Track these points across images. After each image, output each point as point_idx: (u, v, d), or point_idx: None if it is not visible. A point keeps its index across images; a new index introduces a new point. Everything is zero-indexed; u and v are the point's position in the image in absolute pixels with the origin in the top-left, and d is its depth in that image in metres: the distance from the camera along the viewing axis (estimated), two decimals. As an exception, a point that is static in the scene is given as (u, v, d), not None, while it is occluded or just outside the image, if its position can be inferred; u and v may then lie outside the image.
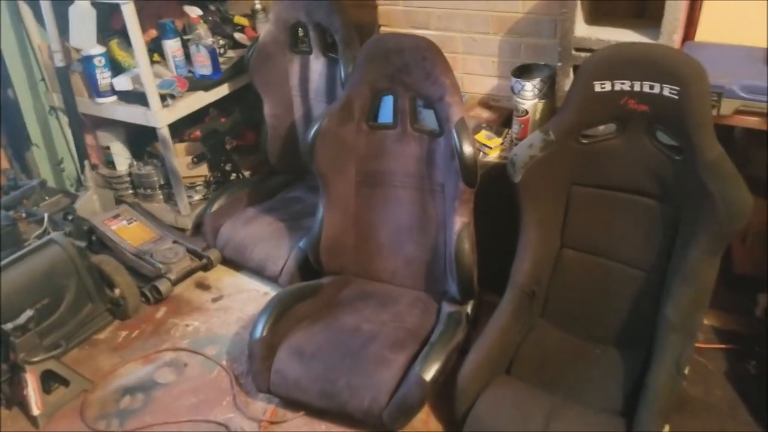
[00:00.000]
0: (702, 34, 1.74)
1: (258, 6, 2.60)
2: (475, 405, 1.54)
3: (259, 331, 1.72)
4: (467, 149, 1.72)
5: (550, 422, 1.46)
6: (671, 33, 1.63)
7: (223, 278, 2.31)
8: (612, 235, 1.70)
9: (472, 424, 1.53)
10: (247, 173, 2.70)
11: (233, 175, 2.65)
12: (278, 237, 2.24)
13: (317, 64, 2.36)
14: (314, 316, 1.85)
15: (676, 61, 1.48)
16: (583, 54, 1.72)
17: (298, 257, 2.12)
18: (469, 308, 1.86)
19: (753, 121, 1.54)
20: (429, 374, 1.58)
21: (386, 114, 1.95)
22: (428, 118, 1.90)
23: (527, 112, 1.89)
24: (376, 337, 1.76)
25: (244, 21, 2.68)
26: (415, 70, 1.82)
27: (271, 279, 2.20)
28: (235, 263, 2.32)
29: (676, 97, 1.46)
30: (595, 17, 1.80)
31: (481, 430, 1.52)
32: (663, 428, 1.42)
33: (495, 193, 1.79)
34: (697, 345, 1.83)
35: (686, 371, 1.51)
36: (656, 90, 1.49)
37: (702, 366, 1.82)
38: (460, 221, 1.79)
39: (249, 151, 2.74)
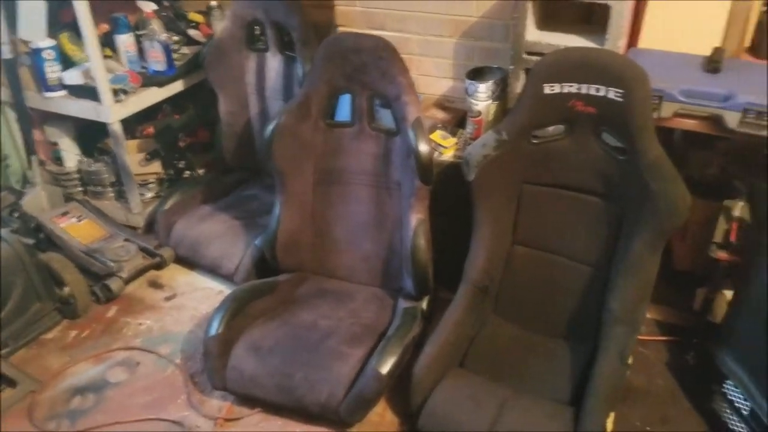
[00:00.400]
0: (645, 42, 1.83)
1: (213, 3, 2.58)
2: (430, 398, 1.57)
3: (215, 328, 1.71)
4: (423, 148, 1.77)
5: (503, 412, 1.51)
6: (616, 39, 1.71)
7: (177, 277, 2.28)
8: (560, 232, 1.77)
9: (427, 416, 1.56)
10: (201, 171, 2.67)
11: (187, 173, 2.62)
12: (233, 235, 2.22)
13: (274, 62, 2.36)
14: (271, 313, 1.85)
15: (620, 65, 1.56)
16: (533, 57, 1.79)
17: (253, 255, 2.11)
18: (424, 304, 1.90)
19: (691, 124, 1.63)
20: (385, 368, 1.60)
21: (343, 112, 1.97)
22: (385, 117, 1.94)
23: (480, 113, 1.94)
24: (333, 332, 1.78)
25: (199, 18, 2.66)
26: (372, 70, 1.85)
27: (227, 277, 2.18)
28: (189, 261, 2.30)
29: (621, 100, 1.54)
30: (545, 22, 1.87)
31: (436, 421, 1.55)
32: (608, 416, 1.49)
33: (450, 192, 1.84)
34: (640, 337, 1.92)
35: (630, 362, 1.59)
36: (602, 93, 1.56)
37: (645, 357, 1.91)
38: (416, 218, 1.83)
39: (203, 149, 2.71)
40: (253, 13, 2.30)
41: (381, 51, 1.82)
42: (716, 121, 1.59)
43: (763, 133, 1.54)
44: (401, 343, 1.69)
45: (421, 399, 1.58)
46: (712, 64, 1.68)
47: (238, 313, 1.77)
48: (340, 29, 2.43)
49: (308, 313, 1.87)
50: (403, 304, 1.89)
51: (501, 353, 1.75)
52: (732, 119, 1.56)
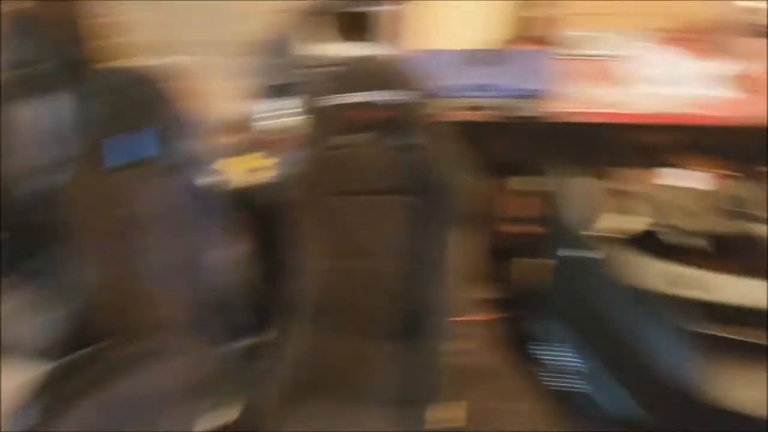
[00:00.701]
0: (419, 43, 1.91)
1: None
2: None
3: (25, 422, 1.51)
4: (224, 176, 1.71)
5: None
6: (388, 44, 1.78)
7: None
8: (371, 237, 1.79)
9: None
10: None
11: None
12: (29, 312, 1.97)
13: (30, 110, 2.12)
14: (88, 391, 1.67)
15: (397, 69, 1.63)
16: (319, 70, 1.80)
17: (53, 330, 1.89)
18: (259, 338, 1.83)
19: (469, 115, 1.74)
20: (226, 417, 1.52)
21: (124, 154, 1.83)
22: (171, 153, 1.83)
23: (280, 131, 1.92)
24: (164, 396, 1.65)
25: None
26: (146, 105, 1.73)
27: (32, 359, 1.93)
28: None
29: (403, 101, 1.60)
30: (321, 35, 1.89)
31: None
32: (456, 405, 1.52)
33: (264, 216, 1.79)
34: (473, 319, 2.02)
35: (459, 346, 1.65)
36: (386, 97, 1.61)
37: (480, 337, 2.00)
38: (233, 251, 1.76)
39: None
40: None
41: (156, 82, 1.72)
42: (487, 109, 1.70)
43: (529, 114, 1.68)
44: (238, 386, 1.61)
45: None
46: (482, 57, 1.80)
47: (52, 399, 1.58)
48: (110, 63, 2.27)
49: (126, 383, 1.71)
50: (237, 343, 1.80)
51: (335, 368, 1.73)
52: (499, 106, 1.68)
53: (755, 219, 1.70)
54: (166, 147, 1.82)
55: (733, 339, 1.49)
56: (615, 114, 1.67)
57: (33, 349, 1.90)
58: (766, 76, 1.74)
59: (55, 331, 1.87)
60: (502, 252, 2.10)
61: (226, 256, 1.75)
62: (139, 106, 1.74)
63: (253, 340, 1.81)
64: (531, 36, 1.98)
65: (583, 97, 1.70)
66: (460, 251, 1.66)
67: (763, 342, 1.47)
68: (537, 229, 1.92)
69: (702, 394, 1.45)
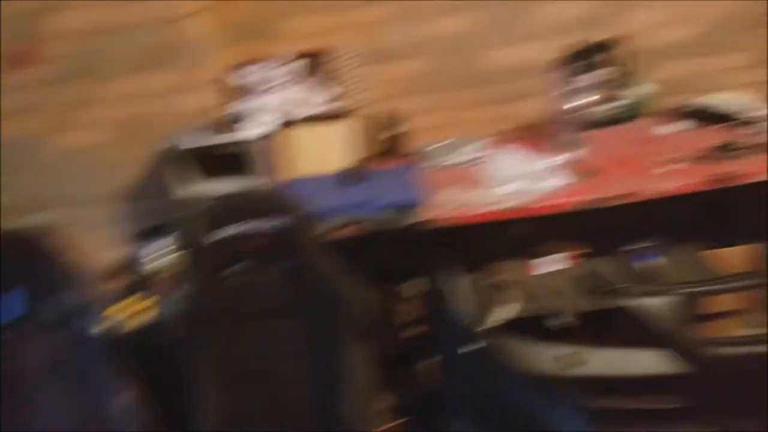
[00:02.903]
0: (294, 170, 2.02)
1: None
2: None
3: None
4: (111, 323, 1.65)
5: None
6: (262, 176, 1.86)
7: None
8: (269, 361, 1.77)
9: None
10: None
11: None
12: None
13: None
14: None
15: (274, 198, 1.71)
16: (195, 208, 1.82)
17: None
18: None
19: (350, 230, 1.83)
20: None
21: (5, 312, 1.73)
22: (55, 307, 1.75)
23: (164, 270, 1.90)
24: None
25: None
26: (24, 262, 1.67)
27: None
28: None
29: (282, 227, 1.65)
30: (195, 174, 1.95)
31: None
32: None
33: (158, 356, 1.73)
34: (379, 430, 2.00)
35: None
36: (265, 225, 1.66)
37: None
38: (125, 398, 1.65)
39: None
40: None
41: (29, 242, 1.67)
42: (366, 223, 1.80)
43: (402, 224, 1.80)
44: None
45: None
46: (353, 176, 1.93)
47: None
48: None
49: None
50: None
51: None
52: (377, 219, 1.79)
53: (617, 293, 1.88)
54: (43, 302, 1.74)
55: (624, 408, 1.58)
56: (480, 214, 1.82)
57: None
58: (597, 162, 1.98)
59: None
60: (399, 357, 2.14)
61: (122, 405, 1.65)
62: (18, 264, 1.67)
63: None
64: (391, 152, 2.16)
65: (450, 202, 1.85)
66: (360, 363, 1.68)
67: (651, 407, 1.58)
68: (428, 330, 1.99)
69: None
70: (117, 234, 2.24)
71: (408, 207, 1.78)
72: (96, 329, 1.63)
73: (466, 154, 2.12)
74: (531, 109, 2.30)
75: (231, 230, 1.66)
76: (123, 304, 1.95)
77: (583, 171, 1.94)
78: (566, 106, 2.09)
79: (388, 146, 2.15)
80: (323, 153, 2.01)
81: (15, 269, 1.68)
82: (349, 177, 1.93)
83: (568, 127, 2.11)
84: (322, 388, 1.73)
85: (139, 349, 1.75)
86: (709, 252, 2.11)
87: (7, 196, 2.16)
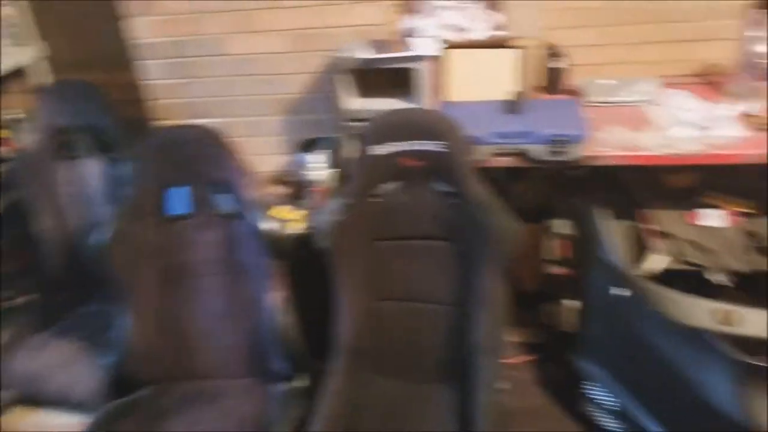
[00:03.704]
0: (454, 95, 2.02)
1: (19, 115, 2.41)
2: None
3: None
4: (267, 225, 1.77)
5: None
6: (426, 97, 1.88)
7: (24, 420, 2.00)
8: (417, 280, 1.84)
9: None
10: (22, 299, 2.40)
11: (6, 303, 2.34)
12: (79, 359, 2.01)
13: (92, 168, 2.23)
14: (140, 433, 1.69)
15: (435, 120, 1.72)
16: (358, 124, 1.89)
17: (105, 375, 1.92)
18: (303, 382, 1.85)
19: (506, 161, 1.81)
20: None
21: (179, 204, 1.91)
22: (225, 202, 1.91)
23: (319, 183, 2.00)
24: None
25: (5, 132, 2.46)
26: (201, 159, 1.83)
27: (79, 407, 1.95)
28: (34, 400, 2.03)
29: (442, 150, 1.68)
30: (361, 90, 2.00)
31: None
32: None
33: (306, 263, 1.85)
34: (507, 361, 2.04)
35: (502, 387, 1.68)
36: (425, 147, 1.69)
37: (515, 379, 2.02)
38: (276, 297, 1.81)
39: (26, 273, 2.44)
40: (60, 119, 2.18)
41: (207, 139, 1.82)
42: (526, 155, 1.78)
43: (565, 159, 1.76)
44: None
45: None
46: (512, 106, 1.89)
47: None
48: (162, 122, 2.39)
49: (180, 424, 1.73)
50: (280, 388, 1.83)
51: (385, 411, 1.75)
52: (537, 151, 1.76)
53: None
54: (220, 198, 1.91)
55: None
56: (645, 157, 1.74)
57: (81, 396, 1.93)
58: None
59: (105, 377, 1.91)
60: (541, 294, 2.15)
61: (274, 301, 1.79)
62: (196, 160, 1.83)
63: (301, 382, 1.84)
64: (554, 85, 2.09)
65: (614, 141, 1.78)
66: (501, 293, 1.70)
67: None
68: (575, 270, 1.96)
69: (748, 424, 1.47)
70: (282, 143, 2.37)
71: (569, 142, 1.73)
72: (261, 227, 1.77)
73: (635, 93, 2.01)
74: (711, 53, 2.12)
75: (390, 148, 1.71)
76: (283, 209, 2.08)
77: (761, 124, 1.79)
78: (754, 53, 1.91)
79: (552, 79, 2.08)
80: (485, 80, 1.98)
81: (203, 163, 1.85)
82: (509, 106, 1.90)
83: (752, 75, 1.94)
84: (463, 311, 1.78)
85: (294, 254, 1.89)
86: None
87: (184, 96, 2.34)
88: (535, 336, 2.18)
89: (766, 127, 1.78)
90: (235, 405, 1.81)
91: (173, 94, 2.35)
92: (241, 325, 1.90)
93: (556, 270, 2.00)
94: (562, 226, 1.96)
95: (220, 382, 1.90)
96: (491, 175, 1.77)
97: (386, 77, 1.97)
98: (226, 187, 1.84)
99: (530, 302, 2.23)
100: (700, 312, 1.58)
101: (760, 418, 1.47)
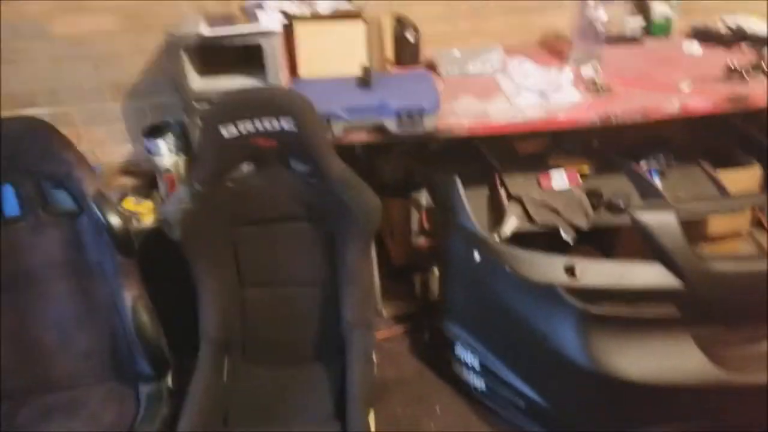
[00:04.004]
0: (304, 71, 1.97)
1: None
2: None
3: None
4: (113, 220, 1.64)
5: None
6: (276, 74, 1.81)
7: None
8: (283, 264, 1.81)
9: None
10: None
11: None
12: None
13: None
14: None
15: (286, 97, 1.66)
16: (204, 105, 1.79)
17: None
18: (169, 380, 1.76)
19: (362, 137, 1.81)
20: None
21: (9, 206, 1.73)
22: (64, 199, 1.75)
23: (169, 170, 1.89)
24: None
25: None
26: (29, 153, 1.65)
27: None
28: None
29: (295, 129, 1.63)
30: (206, 69, 1.90)
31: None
32: (368, 415, 1.57)
33: (162, 256, 1.74)
34: (381, 335, 2.07)
35: (375, 359, 1.70)
36: (277, 126, 1.63)
37: (390, 351, 2.06)
38: (131, 295, 1.70)
39: None
40: None
41: (33, 131, 1.65)
42: (380, 129, 1.78)
43: (419, 131, 1.78)
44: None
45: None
46: (364, 80, 1.88)
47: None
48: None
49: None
50: (144, 388, 1.73)
51: (262, 398, 1.72)
52: (391, 125, 1.76)
53: (622, 209, 1.91)
54: (57, 195, 1.74)
55: (620, 316, 1.64)
56: (494, 126, 1.81)
57: None
58: (613, 78, 1.95)
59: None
60: (406, 266, 2.19)
61: (130, 300, 1.68)
62: (20, 156, 1.65)
63: (167, 381, 1.75)
64: (404, 58, 2.11)
65: (465, 112, 1.83)
66: (369, 269, 1.71)
67: (646, 316, 1.64)
68: (435, 239, 2.01)
69: (596, 369, 1.60)
70: (127, 130, 2.20)
71: (422, 113, 1.75)
72: (108, 223, 1.64)
73: (484, 63, 2.08)
74: (551, 21, 2.23)
75: (240, 129, 1.64)
76: (132, 201, 1.95)
77: (599, 87, 1.91)
78: (590, 19, 2.04)
79: (403, 51, 2.09)
80: (335, 54, 1.95)
81: (8, 161, 1.67)
82: (361, 81, 1.88)
83: (589, 41, 2.06)
84: (329, 291, 1.77)
85: (147, 249, 1.78)
86: (714, 172, 2.13)
87: (8, 86, 2.10)
88: (408, 307, 2.22)
89: (602, 90, 1.90)
90: (99, 412, 1.70)
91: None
92: (96, 328, 1.77)
93: (422, 241, 2.04)
94: (422, 198, 2.00)
95: (81, 389, 1.77)
96: (352, 152, 1.76)
97: (233, 54, 1.89)
98: (62, 182, 1.68)
99: (401, 275, 2.28)
100: (548, 268, 1.68)
101: (602, 362, 1.60)
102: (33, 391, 1.75)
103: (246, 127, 1.64)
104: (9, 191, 1.70)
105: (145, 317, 1.69)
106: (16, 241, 1.72)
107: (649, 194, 1.97)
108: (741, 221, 2.32)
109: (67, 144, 1.68)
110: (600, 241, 2.15)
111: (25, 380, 1.75)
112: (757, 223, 2.41)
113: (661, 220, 1.67)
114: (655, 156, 2.14)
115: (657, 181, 2.08)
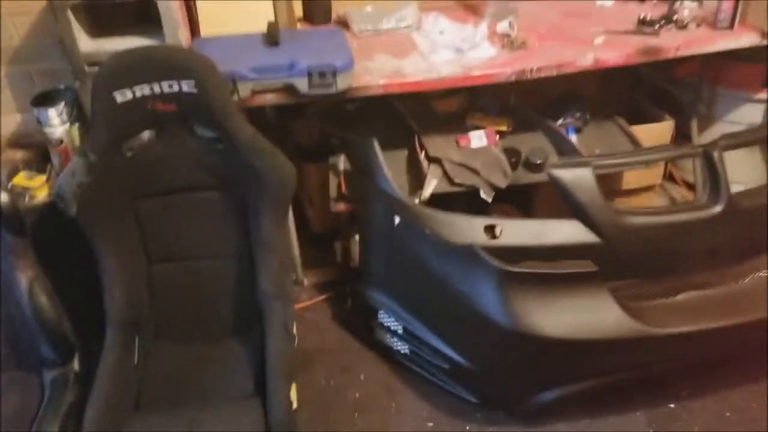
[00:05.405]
0: (206, 30, 1.84)
1: None
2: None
3: None
4: (3, 197, 1.51)
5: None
6: (174, 33, 1.69)
7: None
8: (192, 236, 1.71)
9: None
10: None
11: None
12: None
13: None
14: None
15: (185, 57, 1.55)
16: (97, 68, 1.65)
17: None
18: (75, 364, 1.66)
19: (270, 98, 1.71)
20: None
21: None
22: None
23: (62, 141, 1.74)
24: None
25: None
26: None
27: None
28: None
29: (196, 91, 1.51)
30: (98, 30, 1.74)
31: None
32: (290, 389, 1.52)
33: (61, 233, 1.61)
34: (303, 304, 2.02)
35: (294, 331, 1.65)
36: (176, 88, 1.51)
37: (312, 320, 2.02)
38: (26, 277, 1.57)
39: None
40: None
41: None
42: (290, 90, 1.69)
43: (332, 90, 1.70)
44: (54, 420, 1.46)
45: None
46: (271, 38, 1.78)
47: None
48: None
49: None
50: (48, 375, 1.62)
51: (175, 378, 1.64)
52: (302, 85, 1.68)
53: (539, 166, 1.91)
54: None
55: (535, 273, 1.64)
56: (409, 83, 1.75)
57: None
58: (527, 33, 1.93)
59: None
60: (325, 234, 2.13)
61: (25, 283, 1.56)
62: None
63: (71, 366, 1.64)
64: (319, 15, 2.02)
65: (380, 71, 1.77)
66: (285, 238, 1.64)
67: (564, 271, 1.65)
68: (355, 205, 1.96)
69: (517, 328, 1.61)
70: (13, 99, 2.01)
71: (334, 72, 1.67)
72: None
73: (399, 20, 2.01)
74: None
75: (135, 93, 1.51)
76: (22, 176, 1.79)
77: (515, 42, 1.89)
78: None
79: (313, 8, 2.00)
80: (238, 11, 1.83)
81: None
82: (268, 38, 1.77)
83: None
84: (244, 263, 1.69)
85: (41, 227, 1.64)
86: (628, 127, 2.17)
87: None
88: (330, 275, 2.17)
89: (518, 45, 1.88)
90: (6, 399, 1.58)
91: None
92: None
93: (342, 207, 1.98)
94: (340, 161, 1.93)
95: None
96: (263, 116, 1.66)
97: (126, 13, 1.74)
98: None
99: (322, 242, 2.22)
100: (468, 229, 1.66)
101: (523, 320, 1.60)
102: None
103: (142, 90, 1.51)
104: None
105: (43, 299, 1.58)
106: None
107: (566, 151, 1.98)
108: (654, 175, 2.38)
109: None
110: (519, 199, 2.16)
111: None
112: (669, 177, 2.49)
113: (577, 177, 1.68)
114: (571, 113, 2.16)
115: (573, 138, 2.10)
